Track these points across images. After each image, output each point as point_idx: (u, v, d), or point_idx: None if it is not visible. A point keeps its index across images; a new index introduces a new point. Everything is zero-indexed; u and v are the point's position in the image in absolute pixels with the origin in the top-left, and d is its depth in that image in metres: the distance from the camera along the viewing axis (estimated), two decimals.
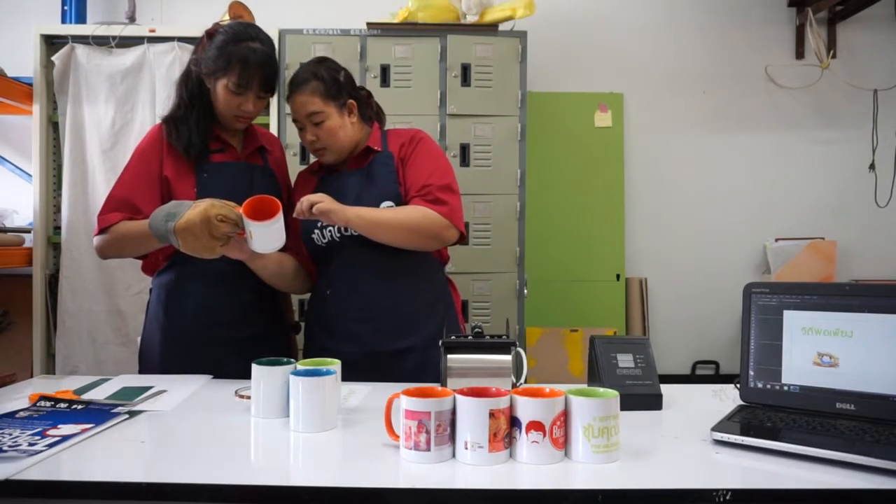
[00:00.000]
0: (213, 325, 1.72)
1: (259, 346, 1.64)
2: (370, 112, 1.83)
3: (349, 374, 1.42)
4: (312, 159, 1.87)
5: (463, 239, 1.76)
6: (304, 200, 1.58)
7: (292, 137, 2.70)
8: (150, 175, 1.69)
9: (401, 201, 1.70)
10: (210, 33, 1.70)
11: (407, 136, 1.79)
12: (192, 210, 1.48)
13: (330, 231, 1.71)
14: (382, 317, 1.70)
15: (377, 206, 1.68)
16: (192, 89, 1.71)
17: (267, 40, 1.70)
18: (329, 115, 1.70)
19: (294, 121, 1.75)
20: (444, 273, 1.87)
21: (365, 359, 1.65)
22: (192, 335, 1.72)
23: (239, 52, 1.64)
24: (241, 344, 1.69)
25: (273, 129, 2.74)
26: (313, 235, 1.73)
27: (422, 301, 1.75)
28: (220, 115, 1.72)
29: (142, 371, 1.78)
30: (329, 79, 1.71)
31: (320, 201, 1.57)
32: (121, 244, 1.64)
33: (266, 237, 1.51)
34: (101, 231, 1.65)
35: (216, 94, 1.68)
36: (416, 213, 1.66)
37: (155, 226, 1.53)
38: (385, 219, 1.64)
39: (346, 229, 1.69)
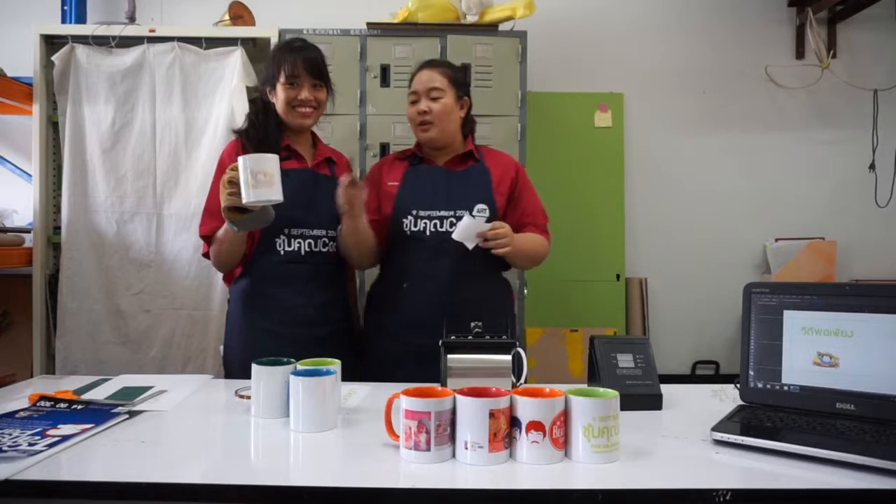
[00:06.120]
0: (289, 323, 1.76)
1: (331, 345, 1.70)
2: (469, 123, 1.98)
3: (423, 365, 1.52)
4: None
5: None
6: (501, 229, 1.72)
7: None
8: None
9: (494, 207, 1.85)
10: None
11: (508, 162, 1.96)
12: None
13: (425, 222, 1.79)
14: (453, 313, 1.68)
15: (471, 206, 1.81)
16: (259, 111, 1.85)
17: (310, 43, 1.87)
18: (447, 95, 1.87)
19: (411, 93, 1.90)
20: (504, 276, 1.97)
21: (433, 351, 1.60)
22: (268, 335, 1.76)
23: (283, 50, 1.83)
24: (316, 342, 1.73)
25: None
26: (405, 220, 1.81)
27: (489, 302, 1.83)
28: (285, 116, 1.82)
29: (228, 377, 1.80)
30: (457, 69, 1.95)
31: (504, 237, 1.71)
32: (221, 249, 1.73)
33: (255, 178, 1.48)
34: (205, 239, 1.77)
35: (279, 99, 1.81)
36: (541, 244, 1.92)
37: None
38: (529, 250, 1.87)
39: (440, 224, 1.79)
